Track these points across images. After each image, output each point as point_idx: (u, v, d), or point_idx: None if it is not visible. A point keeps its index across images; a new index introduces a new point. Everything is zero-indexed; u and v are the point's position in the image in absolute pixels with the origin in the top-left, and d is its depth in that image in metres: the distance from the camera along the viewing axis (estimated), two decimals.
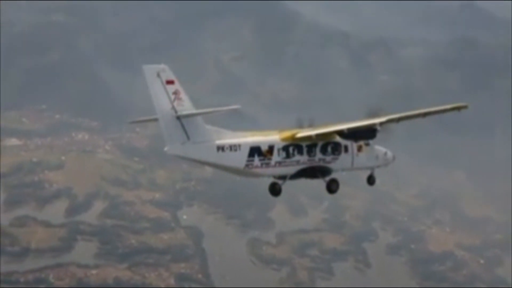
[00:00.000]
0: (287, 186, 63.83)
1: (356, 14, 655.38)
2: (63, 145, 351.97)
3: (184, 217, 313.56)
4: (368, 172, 67.42)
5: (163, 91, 54.65)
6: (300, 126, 63.26)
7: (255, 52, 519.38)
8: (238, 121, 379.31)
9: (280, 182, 62.90)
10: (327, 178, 63.70)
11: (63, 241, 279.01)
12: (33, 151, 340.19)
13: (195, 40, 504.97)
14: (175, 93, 55.09)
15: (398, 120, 58.37)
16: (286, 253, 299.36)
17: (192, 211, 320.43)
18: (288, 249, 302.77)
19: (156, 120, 56.93)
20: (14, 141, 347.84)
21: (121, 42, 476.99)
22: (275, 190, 63.68)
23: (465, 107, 55.74)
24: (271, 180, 63.07)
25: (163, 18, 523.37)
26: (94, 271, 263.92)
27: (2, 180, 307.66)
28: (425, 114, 57.84)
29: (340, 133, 60.68)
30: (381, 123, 58.98)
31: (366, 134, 61.20)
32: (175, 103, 54.96)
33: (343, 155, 63.26)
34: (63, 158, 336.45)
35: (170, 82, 55.01)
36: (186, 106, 55.53)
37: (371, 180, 67.61)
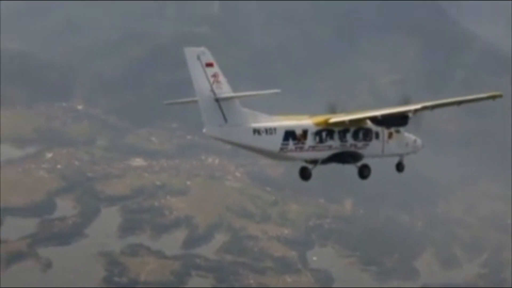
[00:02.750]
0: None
1: None
2: (190, 169, 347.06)
3: (314, 258, 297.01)
4: (397, 159, 72.01)
5: (202, 74, 58.14)
6: (333, 111, 66.74)
7: (418, 76, 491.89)
8: None
9: (310, 166, 67.01)
10: (359, 164, 68.08)
11: (175, 275, 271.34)
12: (157, 174, 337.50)
13: (349, 59, 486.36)
14: (214, 75, 58.49)
15: (433, 107, 62.86)
16: None
17: (324, 252, 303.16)
18: None
19: (195, 102, 60.27)
20: (139, 162, 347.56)
21: (266, 58, 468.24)
22: (305, 174, 67.83)
23: (500, 95, 59.79)
24: (301, 164, 66.97)
25: (315, 34, 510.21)
26: None
27: (120, 203, 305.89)
28: (459, 102, 62.55)
29: (373, 119, 65.06)
30: (416, 110, 63.36)
31: (398, 121, 65.23)
32: (214, 86, 58.48)
33: (374, 141, 67.51)
34: (188, 183, 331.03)
35: (209, 64, 58.35)
36: (224, 89, 58.93)
37: (400, 167, 72.49)
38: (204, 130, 60.07)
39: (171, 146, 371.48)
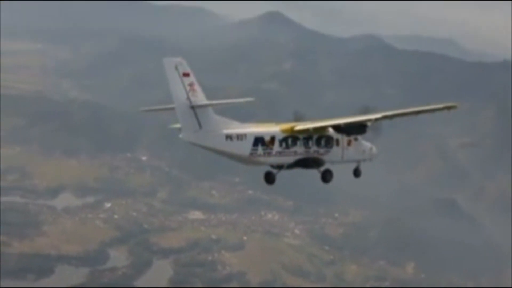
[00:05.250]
0: None
1: None
2: (248, 224, 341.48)
3: None
4: (354, 165, 75.18)
5: (179, 83, 62.64)
6: (299, 120, 70.44)
7: (490, 140, 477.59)
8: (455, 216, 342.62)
9: (275, 171, 70.80)
10: (322, 169, 72.26)
11: None
12: (214, 227, 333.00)
13: (418, 120, 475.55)
14: (190, 84, 62.85)
15: (392, 117, 66.24)
16: None
17: None
18: None
19: (172, 109, 64.36)
20: (197, 215, 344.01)
21: (335, 117, 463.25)
22: (270, 179, 71.39)
23: (454, 107, 63.47)
24: (266, 169, 70.60)
25: (386, 93, 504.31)
26: None
27: (173, 256, 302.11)
28: (417, 112, 65.86)
29: (336, 127, 69.16)
30: (376, 119, 66.68)
31: (358, 129, 69.26)
32: (190, 94, 62.75)
33: (334, 148, 71.54)
34: (244, 238, 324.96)
35: (186, 74, 62.92)
36: (199, 97, 63.21)
37: (357, 173, 75.71)
38: (180, 136, 63.97)
39: (231, 200, 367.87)
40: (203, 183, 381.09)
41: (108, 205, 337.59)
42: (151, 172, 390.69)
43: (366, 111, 68.58)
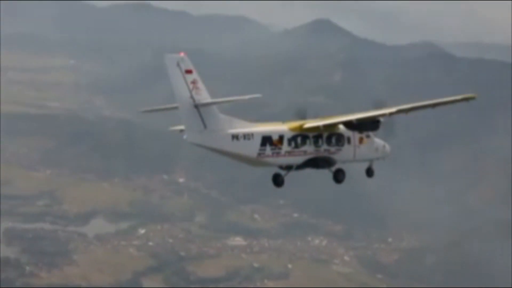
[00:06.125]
0: None
1: None
2: (293, 250, 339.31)
3: None
4: (367, 164, 76.63)
5: (182, 80, 62.91)
6: (302, 118, 71.21)
7: None
8: None
9: (283, 173, 71.62)
10: (333, 169, 73.13)
11: None
12: (256, 254, 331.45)
13: (480, 135, 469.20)
14: (193, 82, 63.21)
15: (408, 110, 67.06)
16: None
17: None
18: None
19: (175, 108, 65.32)
20: (238, 241, 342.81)
21: None
22: (278, 181, 72.27)
23: (473, 98, 64.83)
24: (275, 170, 71.47)
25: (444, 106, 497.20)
26: None
27: (212, 286, 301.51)
28: (434, 105, 66.65)
29: (348, 123, 70.17)
30: (391, 113, 67.22)
31: (371, 125, 70.46)
32: (193, 92, 63.19)
33: (346, 146, 72.40)
34: (289, 266, 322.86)
35: (188, 71, 63.11)
36: (203, 96, 63.60)
37: (369, 172, 77.06)
38: (184, 137, 64.82)
39: (275, 224, 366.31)
40: (244, 206, 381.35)
41: (142, 231, 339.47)
42: (188, 195, 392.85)
43: (379, 106, 69.60)
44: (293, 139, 69.30)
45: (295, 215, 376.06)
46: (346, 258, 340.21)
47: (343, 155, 72.33)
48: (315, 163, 71.15)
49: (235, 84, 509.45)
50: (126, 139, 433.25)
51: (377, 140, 75.27)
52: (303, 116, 71.75)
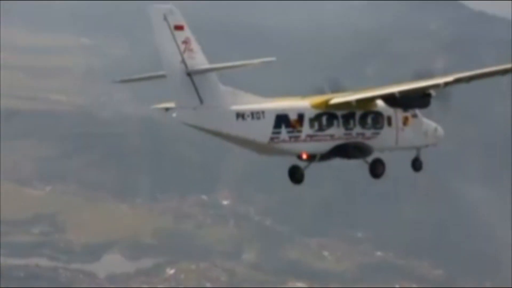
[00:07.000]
0: None
1: None
2: None
3: None
4: (413, 154, 76.37)
5: (170, 39, 61.71)
6: (321, 92, 71.74)
7: None
8: None
9: (303, 165, 71.70)
10: (369, 159, 72.54)
11: None
12: None
13: None
14: (186, 42, 62.16)
15: (469, 79, 66.78)
16: None
17: None
18: None
19: (162, 77, 65.07)
20: (300, 286, 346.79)
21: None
22: (296, 175, 72.63)
23: None
24: (292, 162, 71.91)
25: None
26: None
27: None
28: (505, 71, 65.56)
29: (389, 97, 68.71)
30: (446, 84, 66.58)
31: (420, 100, 69.59)
32: (186, 55, 62.11)
33: (385, 129, 72.05)
34: None
35: (179, 27, 62.02)
36: (198, 60, 62.74)
37: (417, 164, 76.58)
38: (173, 115, 64.85)
39: (350, 265, 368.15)
40: (309, 239, 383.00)
41: (171, 271, 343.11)
42: (235, 222, 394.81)
43: (420, 77, 69.03)
44: (316, 119, 68.74)
45: (378, 253, 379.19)
46: None
47: (382, 141, 72.04)
48: (345, 151, 70.39)
49: (303, 71, 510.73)
50: (152, 146, 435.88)
51: (426, 121, 75.41)
52: (321, 91, 72.03)
